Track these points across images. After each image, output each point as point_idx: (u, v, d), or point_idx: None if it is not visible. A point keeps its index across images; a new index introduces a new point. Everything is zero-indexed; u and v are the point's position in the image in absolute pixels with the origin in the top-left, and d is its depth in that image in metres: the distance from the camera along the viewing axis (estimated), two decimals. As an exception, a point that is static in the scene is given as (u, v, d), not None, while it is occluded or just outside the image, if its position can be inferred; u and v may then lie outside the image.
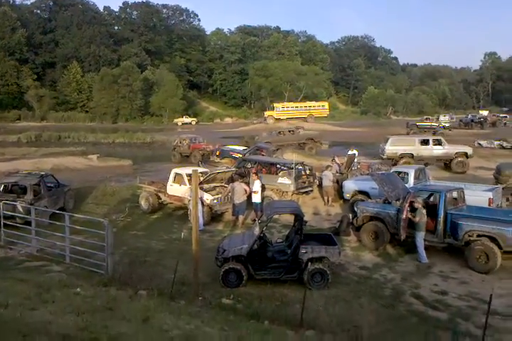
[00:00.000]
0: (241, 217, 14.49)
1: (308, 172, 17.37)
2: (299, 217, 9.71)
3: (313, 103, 62.15)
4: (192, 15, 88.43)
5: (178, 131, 49.92)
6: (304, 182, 16.66)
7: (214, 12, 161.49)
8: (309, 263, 9.09)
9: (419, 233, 10.64)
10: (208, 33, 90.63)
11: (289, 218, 13.24)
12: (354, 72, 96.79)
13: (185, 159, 27.84)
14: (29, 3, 76.90)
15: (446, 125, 43.70)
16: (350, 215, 13.11)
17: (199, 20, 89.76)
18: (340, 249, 9.65)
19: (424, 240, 10.78)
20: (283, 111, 58.78)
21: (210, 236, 13.14)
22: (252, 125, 56.94)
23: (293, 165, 16.20)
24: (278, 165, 17.43)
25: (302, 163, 17.46)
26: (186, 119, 62.83)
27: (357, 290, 9.22)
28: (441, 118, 57.17)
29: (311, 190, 16.84)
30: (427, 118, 47.25)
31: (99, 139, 38.61)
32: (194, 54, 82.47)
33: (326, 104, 61.68)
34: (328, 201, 16.68)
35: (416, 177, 14.81)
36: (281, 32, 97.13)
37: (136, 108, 62.83)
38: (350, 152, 20.91)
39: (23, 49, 64.46)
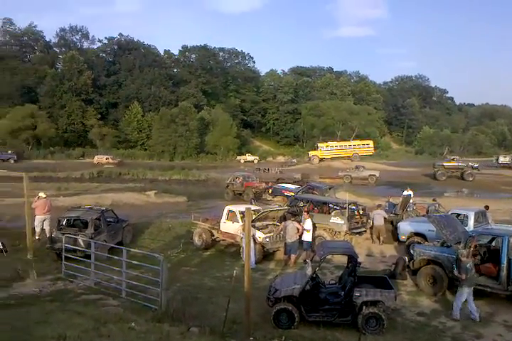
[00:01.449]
0: (293, 256, 14.35)
1: (361, 212, 17.12)
2: (352, 259, 9.51)
3: (357, 142, 61.66)
4: (247, 58, 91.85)
5: (240, 168, 50.73)
6: (357, 223, 16.40)
7: (268, 54, 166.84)
8: (364, 307, 8.81)
9: (463, 289, 9.71)
10: (262, 74, 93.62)
11: (342, 259, 13.00)
12: (408, 111, 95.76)
13: (238, 197, 28.21)
14: (95, 47, 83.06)
15: (475, 165, 42.17)
16: (407, 258, 12.67)
17: (254, 62, 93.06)
18: (396, 293, 9.31)
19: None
20: (327, 150, 58.55)
21: (261, 275, 13.06)
22: (295, 164, 56.97)
23: (346, 205, 16.03)
24: (331, 205, 17.30)
25: (355, 203, 17.25)
26: (249, 157, 63.99)
27: (414, 337, 8.79)
28: (501, 159, 54.89)
29: (365, 231, 16.51)
30: (453, 159, 45.75)
31: (157, 176, 39.91)
32: (248, 94, 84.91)
33: (371, 143, 60.97)
34: (380, 240, 16.28)
35: (476, 220, 14.22)
36: (334, 72, 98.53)
37: (192, 146, 64.82)
38: (405, 192, 20.48)
39: (88, 90, 68.79)
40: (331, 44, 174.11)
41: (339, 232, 15.70)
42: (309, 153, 60.59)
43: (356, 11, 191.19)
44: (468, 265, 9.63)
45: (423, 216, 16.64)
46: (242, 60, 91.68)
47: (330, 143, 60.93)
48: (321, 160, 57.26)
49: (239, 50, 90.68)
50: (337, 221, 15.71)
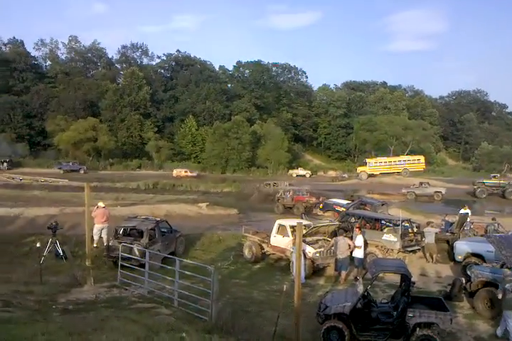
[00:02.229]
0: (343, 273, 14.14)
1: (415, 229, 16.66)
2: (406, 278, 9.25)
3: (407, 157, 59.85)
4: (300, 73, 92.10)
5: (292, 181, 50.82)
6: (411, 241, 15.97)
7: (321, 69, 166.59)
8: (417, 329, 8.53)
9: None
10: (314, 88, 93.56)
11: (394, 277, 12.65)
12: (465, 126, 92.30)
13: (288, 210, 28.19)
14: (154, 63, 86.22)
15: None
16: (463, 279, 12.17)
17: (306, 77, 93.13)
18: (452, 316, 8.96)
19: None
20: (376, 166, 57.37)
21: (311, 291, 12.95)
22: (346, 179, 56.20)
23: (399, 222, 15.67)
24: (383, 221, 16.97)
25: (409, 220, 16.82)
26: (301, 171, 63.85)
27: (471, 363, 8.43)
28: None
29: (418, 249, 16.04)
30: (494, 176, 43.61)
31: (209, 188, 40.56)
32: (300, 109, 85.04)
33: (422, 158, 58.95)
34: (432, 259, 15.75)
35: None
36: (388, 87, 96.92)
37: (243, 159, 65.52)
38: (462, 211, 19.73)
39: (147, 104, 71.39)
40: (385, 58, 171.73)
41: (392, 250, 15.35)
42: (357, 168, 59.59)
43: (412, 24, 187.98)
44: None
45: (481, 236, 15.97)
46: (295, 75, 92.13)
47: (379, 159, 59.65)
48: (370, 176, 56.17)
49: (292, 65, 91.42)
50: (390, 238, 15.38)
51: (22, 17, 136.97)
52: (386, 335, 8.75)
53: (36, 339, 5.98)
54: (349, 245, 14.14)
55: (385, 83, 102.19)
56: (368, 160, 59.32)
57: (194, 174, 55.76)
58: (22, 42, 78.19)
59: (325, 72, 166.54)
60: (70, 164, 56.64)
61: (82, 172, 54.83)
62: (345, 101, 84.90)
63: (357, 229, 15.06)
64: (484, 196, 39.39)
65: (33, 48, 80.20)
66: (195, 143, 70.95)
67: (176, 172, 55.57)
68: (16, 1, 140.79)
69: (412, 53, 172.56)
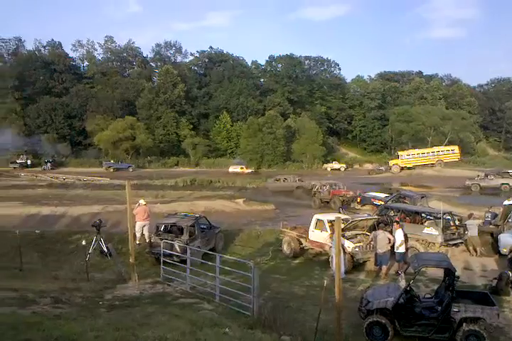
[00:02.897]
0: (384, 267, 14.00)
1: (457, 222, 16.27)
2: (450, 272, 9.08)
3: (441, 147, 58.07)
4: (333, 65, 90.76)
5: (328, 176, 50.58)
6: (453, 234, 15.60)
7: (355, 60, 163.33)
8: (463, 324, 8.37)
9: None
10: (348, 80, 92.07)
11: (437, 271, 12.44)
12: (506, 115, 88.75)
13: (324, 205, 28.02)
14: (188, 60, 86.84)
15: None
16: (510, 273, 11.83)
17: (339, 69, 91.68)
18: (499, 310, 8.74)
19: None
20: (409, 159, 56.02)
21: (351, 286, 12.89)
22: (383, 172, 55.21)
23: (440, 215, 15.34)
24: (423, 214, 16.67)
25: (450, 213, 16.42)
26: (336, 165, 63.39)
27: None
28: None
29: (461, 242, 15.66)
30: None
31: (245, 184, 40.72)
32: (334, 102, 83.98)
33: (456, 148, 57.05)
34: (476, 252, 15.36)
35: None
36: (424, 76, 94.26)
37: (278, 154, 65.39)
38: (506, 202, 19.08)
39: (181, 102, 72.09)
40: (420, 47, 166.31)
41: (433, 244, 15.07)
42: (389, 161, 58.36)
43: (448, 11, 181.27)
44: None
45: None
46: (328, 68, 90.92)
47: (411, 151, 58.29)
48: (403, 168, 54.98)
49: (324, 57, 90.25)
50: (431, 232, 15.10)
51: (59, 19, 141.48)
52: (431, 330, 8.63)
53: (86, 335, 6.20)
54: (389, 239, 13.97)
55: (420, 72, 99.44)
56: (400, 152, 58.18)
57: (250, 170, 56.00)
58: (60, 44, 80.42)
59: (358, 63, 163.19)
60: (119, 163, 58.72)
61: (130, 170, 56.38)
62: (380, 93, 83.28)
63: (396, 223, 14.87)
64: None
65: (71, 49, 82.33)
66: (230, 139, 71.34)
67: (232, 168, 56.05)
68: (53, 3, 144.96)
69: (448, 41, 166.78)
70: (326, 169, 61.68)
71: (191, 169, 60.73)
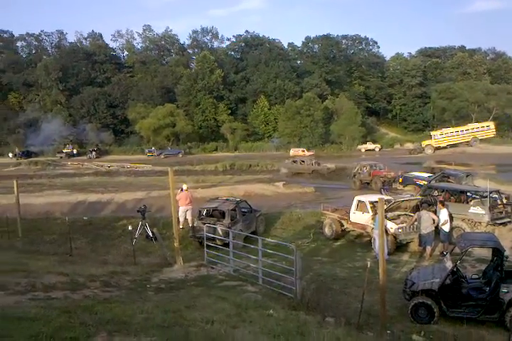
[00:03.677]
0: (428, 248, 13.74)
1: (504, 200, 15.73)
2: (498, 252, 8.82)
3: (475, 124, 55.85)
4: (371, 43, 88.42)
5: (362, 157, 49.97)
6: (501, 212, 15.13)
7: (394, 37, 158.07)
8: (513, 305, 8.16)
9: None
10: (387, 58, 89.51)
11: (483, 251, 12.15)
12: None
13: (365, 186, 27.68)
14: (224, 46, 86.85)
15: None
16: None
17: (378, 47, 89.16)
18: (551, 291, 8.44)
19: None
20: (442, 138, 54.08)
21: (394, 267, 12.74)
22: (422, 152, 53.70)
23: (487, 193, 14.86)
24: (469, 193, 16.19)
25: (498, 191, 15.87)
26: (370, 145, 62.49)
27: None
28: None
29: (510, 221, 15.15)
30: None
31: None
32: (373, 81, 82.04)
33: (492, 124, 54.73)
34: None
35: None
36: (467, 51, 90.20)
37: (317, 136, 64.81)
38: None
39: (219, 87, 72.33)
40: (461, 20, 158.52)
41: (480, 223, 14.67)
42: (422, 142, 56.61)
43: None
44: None
45: None
46: (366, 46, 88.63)
47: (444, 130, 56.30)
48: (436, 149, 53.24)
49: (362, 36, 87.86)
50: (477, 211, 14.71)
51: (99, 11, 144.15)
52: (479, 312, 8.45)
53: (136, 318, 6.40)
54: (433, 220, 13.68)
55: (463, 47, 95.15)
56: (432, 132, 56.77)
57: (311, 153, 55.91)
58: (100, 35, 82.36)
59: (398, 40, 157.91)
60: (169, 149, 61.50)
61: (180, 156, 58.46)
62: (421, 70, 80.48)
63: (439, 204, 14.53)
64: None
65: (111, 40, 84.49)
66: (268, 123, 71.20)
67: (293, 152, 56.15)
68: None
69: (491, 12, 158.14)
70: (360, 150, 60.74)
71: (231, 154, 61.15)
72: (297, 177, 33.96)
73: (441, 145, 53.56)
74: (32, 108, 69.16)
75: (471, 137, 53.41)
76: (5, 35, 79.20)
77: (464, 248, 9.12)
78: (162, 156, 58.23)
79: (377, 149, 61.26)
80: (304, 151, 55.65)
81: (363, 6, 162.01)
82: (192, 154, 61.46)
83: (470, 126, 55.82)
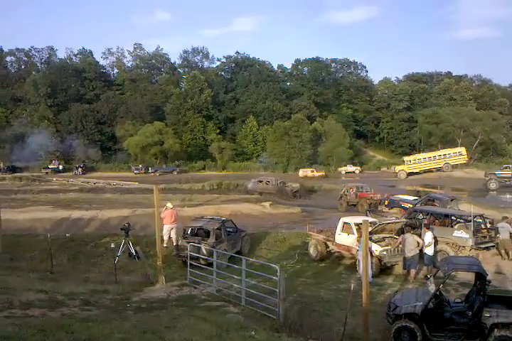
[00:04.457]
0: (413, 271, 13.77)
1: (488, 225, 15.88)
2: (481, 276, 8.85)
3: (447, 150, 56.64)
4: (359, 67, 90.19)
5: (341, 179, 50.43)
6: (485, 237, 15.27)
7: (382, 62, 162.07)
8: (495, 329, 8.13)
9: None
10: (375, 82, 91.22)
11: (467, 275, 12.20)
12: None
13: (351, 208, 27.76)
14: (214, 66, 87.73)
15: None
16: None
17: (366, 71, 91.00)
18: (533, 317, 8.45)
19: None
20: (415, 163, 54.75)
21: (378, 290, 12.70)
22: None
23: (471, 218, 15.00)
24: (453, 217, 16.32)
25: (481, 216, 16.04)
26: (350, 168, 63.00)
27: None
28: None
29: (493, 246, 15.26)
30: (506, 168, 41.43)
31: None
32: (361, 104, 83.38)
33: (463, 150, 55.70)
34: (508, 256, 14.91)
35: None
36: (453, 77, 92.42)
37: (305, 157, 65.20)
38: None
39: (209, 107, 72.71)
40: (448, 47, 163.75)
41: (464, 247, 14.75)
42: (395, 167, 57.27)
43: (476, 11, 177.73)
44: None
45: None
46: (355, 70, 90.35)
47: (417, 156, 57.34)
48: (409, 174, 53.83)
49: (351, 59, 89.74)
50: (461, 235, 14.80)
51: (90, 28, 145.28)
52: (461, 336, 8.42)
53: (113, 338, 6.29)
54: (418, 242, 13.74)
55: (449, 73, 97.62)
56: (405, 158, 57.34)
57: (321, 173, 56.59)
58: (91, 52, 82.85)
59: (386, 65, 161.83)
60: (164, 167, 61.80)
61: (175, 173, 58.27)
62: (408, 94, 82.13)
63: (425, 227, 14.61)
64: (494, 187, 39.26)
65: (101, 57, 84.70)
66: (257, 143, 71.58)
67: (302, 172, 56.59)
68: (83, 13, 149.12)
69: (477, 41, 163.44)
70: (340, 172, 61.26)
71: (218, 173, 61.13)
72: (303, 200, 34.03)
73: (414, 171, 54.00)
74: (19, 123, 68.67)
75: (443, 163, 54.17)
76: (-6, 50, 79.30)
77: (447, 272, 9.14)
78: (157, 174, 58.37)
79: (357, 171, 61.75)
80: (313, 171, 56.63)
81: (353, 31, 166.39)
82: (186, 172, 61.53)
83: (442, 152, 56.71)
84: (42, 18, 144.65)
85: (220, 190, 38.15)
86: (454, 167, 54.45)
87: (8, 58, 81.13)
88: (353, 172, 61.58)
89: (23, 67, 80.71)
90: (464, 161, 55.07)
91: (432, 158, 54.93)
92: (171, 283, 12.39)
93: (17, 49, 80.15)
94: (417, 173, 53.83)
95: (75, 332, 6.23)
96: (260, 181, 37.49)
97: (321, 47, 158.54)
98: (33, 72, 77.03)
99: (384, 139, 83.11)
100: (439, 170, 54.34)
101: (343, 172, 61.14)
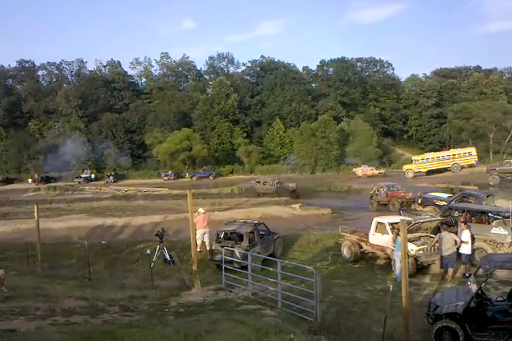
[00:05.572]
0: (450, 270, 13.44)
1: (528, 221, 15.37)
2: (524, 274, 8.59)
3: (457, 150, 55.04)
4: (386, 65, 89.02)
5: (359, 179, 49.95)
6: (524, 233, 14.76)
7: (409, 59, 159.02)
8: (541, 328, 7.87)
9: None
10: (402, 80, 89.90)
11: (507, 273, 11.90)
12: None
13: (382, 207, 27.42)
14: (240, 71, 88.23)
15: None
16: None
17: (393, 68, 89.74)
18: None
19: None
20: (423, 163, 53.20)
21: (416, 290, 12.44)
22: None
23: (509, 214, 14.56)
24: (491, 214, 15.88)
25: (520, 212, 15.54)
26: (366, 168, 61.65)
27: None
28: None
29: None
30: (507, 163, 41.04)
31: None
32: (388, 102, 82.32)
33: (473, 150, 53.74)
34: None
35: None
36: (483, 71, 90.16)
37: (332, 158, 64.81)
38: None
39: (235, 111, 73.18)
40: (477, 41, 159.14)
41: (502, 244, 14.31)
42: (403, 167, 55.87)
43: (504, 3, 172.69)
44: None
45: None
46: (381, 68, 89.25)
47: (426, 155, 55.73)
48: (416, 173, 52.31)
49: (377, 58, 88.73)
50: (500, 231, 14.36)
51: (118, 39, 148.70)
52: (505, 335, 8.16)
53: (156, 343, 6.38)
54: (455, 241, 13.43)
55: (478, 67, 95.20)
56: (413, 157, 56.11)
57: (381, 171, 56.18)
58: (119, 62, 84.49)
59: (413, 61, 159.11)
60: (201, 172, 62.59)
61: (211, 178, 58.98)
62: (436, 90, 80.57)
63: (462, 224, 14.27)
64: (493, 183, 38.56)
65: (129, 67, 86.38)
66: (284, 145, 71.50)
67: (361, 171, 56.27)
68: (111, 24, 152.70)
69: (506, 33, 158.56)
70: (354, 173, 60.15)
71: (246, 177, 61.31)
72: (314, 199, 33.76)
73: (422, 170, 52.74)
74: (51, 134, 70.92)
75: (452, 163, 52.82)
76: (27, 64, 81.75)
77: (488, 270, 8.87)
78: (194, 179, 59.67)
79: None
80: (372, 170, 56.40)
81: (378, 29, 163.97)
82: (221, 176, 62.65)
83: (451, 151, 55.35)
84: (71, 31, 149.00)
85: (247, 194, 38.19)
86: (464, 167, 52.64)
87: (40, 72, 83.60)
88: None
89: (54, 80, 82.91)
90: (474, 162, 53.49)
91: (441, 158, 53.67)
92: (207, 287, 12.46)
93: (48, 63, 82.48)
94: (435, 171, 52.38)
95: (120, 338, 6.33)
96: (258, 182, 39.28)
97: (346, 47, 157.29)
98: (64, 85, 79.19)
99: (413, 137, 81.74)
100: (447, 170, 52.77)
101: (358, 173, 60.14)
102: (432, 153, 57.54)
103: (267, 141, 72.34)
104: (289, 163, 66.96)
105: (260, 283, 11.70)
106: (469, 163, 52.88)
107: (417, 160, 54.02)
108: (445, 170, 52.51)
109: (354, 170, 59.98)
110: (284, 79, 77.60)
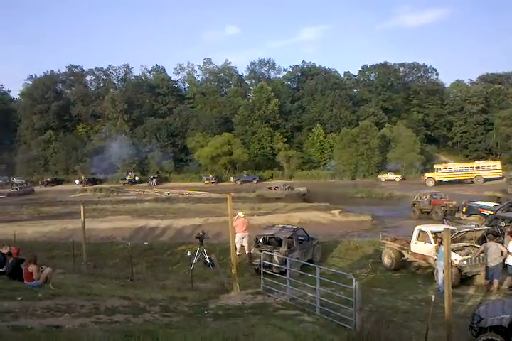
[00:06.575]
0: (496, 282, 13.00)
1: None
2: None
3: (482, 163, 53.09)
4: (430, 70, 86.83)
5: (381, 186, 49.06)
6: None
7: (454, 64, 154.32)
8: None
9: None
10: (447, 85, 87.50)
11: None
12: None
13: (425, 215, 26.83)
14: (281, 76, 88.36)
15: None
16: None
17: (437, 74, 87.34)
18: None
19: None
20: (445, 172, 51.44)
21: (459, 301, 12.10)
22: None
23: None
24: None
25: None
26: (391, 176, 60.64)
27: None
28: None
29: None
30: None
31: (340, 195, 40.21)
32: (432, 108, 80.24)
33: (498, 164, 51.44)
34: None
35: None
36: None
37: (373, 164, 63.82)
38: None
39: (275, 116, 73.24)
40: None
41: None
42: (425, 174, 54.19)
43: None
44: None
45: None
46: (425, 73, 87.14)
47: (449, 164, 54.31)
48: (437, 182, 50.36)
49: (420, 63, 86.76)
50: (549, 243, 13.75)
51: (163, 45, 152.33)
52: (553, 351, 7.84)
53: (196, 345, 6.49)
54: (501, 251, 12.97)
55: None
56: (436, 166, 54.39)
57: (399, 177, 58.21)
58: (163, 68, 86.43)
59: (458, 67, 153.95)
60: (245, 176, 63.61)
61: (255, 182, 60.06)
62: (483, 96, 77.76)
63: (508, 235, 13.77)
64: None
65: (173, 73, 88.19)
66: (324, 151, 71.02)
67: (383, 177, 58.82)
68: (157, 31, 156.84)
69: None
70: (379, 180, 59.21)
71: (286, 182, 61.23)
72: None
73: (443, 180, 50.94)
74: (98, 138, 73.41)
75: (474, 175, 50.71)
76: (76, 69, 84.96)
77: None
78: (238, 182, 60.68)
79: (397, 179, 59.39)
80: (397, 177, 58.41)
81: (422, 33, 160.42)
82: (265, 180, 63.18)
83: (476, 163, 53.51)
84: (119, 38, 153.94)
85: (284, 199, 38.12)
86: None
87: (88, 77, 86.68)
88: (393, 180, 59.43)
89: (101, 85, 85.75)
90: (498, 176, 51.17)
91: (464, 169, 51.95)
92: (245, 291, 12.54)
93: (96, 68, 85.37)
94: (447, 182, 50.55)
95: (160, 338, 6.49)
96: (269, 188, 41.05)
97: (388, 52, 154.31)
98: (111, 90, 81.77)
99: (457, 143, 79.32)
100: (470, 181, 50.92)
101: (383, 180, 59.20)
102: (456, 163, 56.62)
103: (307, 147, 72.12)
104: (328, 168, 66.41)
105: (298, 289, 11.66)
106: (493, 176, 50.98)
107: (440, 169, 52.72)
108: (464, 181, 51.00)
109: (379, 176, 60.44)
110: (325, 85, 77.16)
